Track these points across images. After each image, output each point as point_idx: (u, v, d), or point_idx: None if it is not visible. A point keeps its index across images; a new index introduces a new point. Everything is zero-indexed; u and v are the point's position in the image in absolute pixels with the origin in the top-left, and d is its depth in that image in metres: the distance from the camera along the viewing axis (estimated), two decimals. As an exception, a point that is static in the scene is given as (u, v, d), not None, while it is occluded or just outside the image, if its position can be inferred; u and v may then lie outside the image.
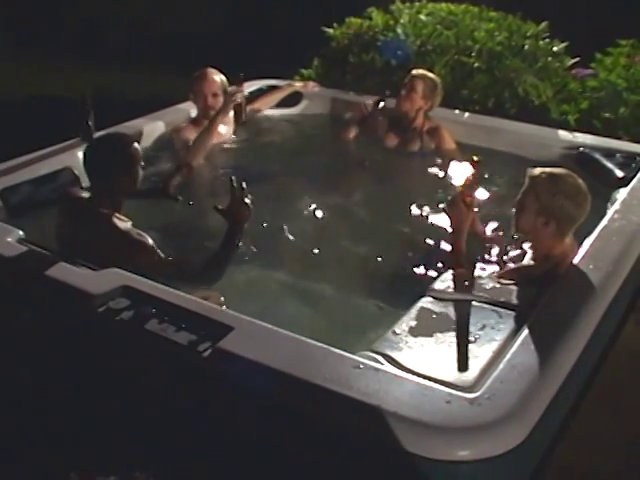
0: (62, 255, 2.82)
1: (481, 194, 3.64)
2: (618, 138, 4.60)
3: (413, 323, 2.52)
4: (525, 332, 2.37)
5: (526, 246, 3.14)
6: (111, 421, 2.42)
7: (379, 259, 3.40)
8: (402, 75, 4.81)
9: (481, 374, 2.22)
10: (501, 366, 2.20)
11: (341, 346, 2.30)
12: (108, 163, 2.96)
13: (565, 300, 2.62)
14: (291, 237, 3.58)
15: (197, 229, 3.62)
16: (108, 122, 3.85)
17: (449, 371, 2.25)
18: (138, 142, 3.16)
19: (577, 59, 5.39)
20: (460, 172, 4.22)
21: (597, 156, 4.18)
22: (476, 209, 3.17)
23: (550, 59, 5.30)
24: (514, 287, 2.72)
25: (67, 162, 3.76)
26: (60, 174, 3.70)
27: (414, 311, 2.61)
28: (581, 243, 2.96)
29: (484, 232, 3.44)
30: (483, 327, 2.47)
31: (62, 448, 2.44)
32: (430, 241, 3.49)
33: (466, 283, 2.78)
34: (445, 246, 3.30)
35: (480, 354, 2.33)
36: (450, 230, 3.09)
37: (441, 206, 3.69)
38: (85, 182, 3.37)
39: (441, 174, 4.33)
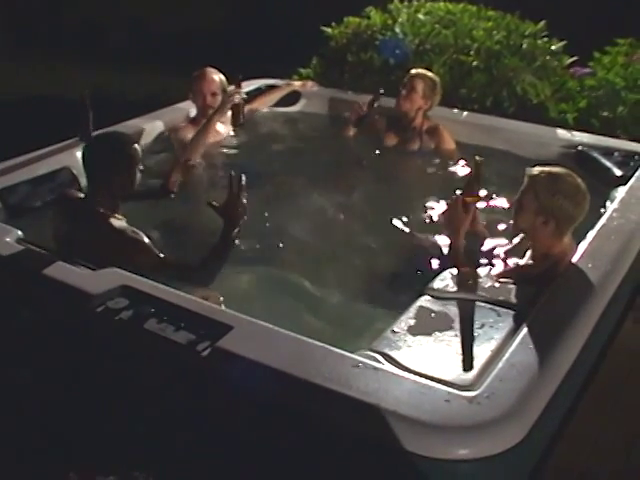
0: (61, 255, 2.82)
1: (480, 193, 3.64)
2: (616, 137, 4.61)
3: (412, 322, 2.53)
4: (524, 331, 2.37)
5: (525, 245, 3.14)
6: (111, 421, 2.42)
7: (378, 258, 3.41)
8: (400, 74, 4.82)
9: (480, 373, 2.22)
10: (500, 365, 2.20)
11: (340, 345, 2.30)
12: (106, 161, 2.97)
13: (564, 299, 2.62)
14: (290, 236, 3.58)
15: (195, 228, 3.61)
16: (107, 122, 3.85)
17: (448, 370, 2.25)
18: (137, 142, 3.16)
19: (575, 58, 5.39)
20: (462, 172, 4.24)
21: (595, 155, 4.19)
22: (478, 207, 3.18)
23: (548, 58, 5.31)
24: (513, 286, 2.72)
25: (65, 162, 3.76)
26: (58, 174, 3.70)
27: (413, 310, 2.61)
28: (580, 242, 2.96)
29: (483, 231, 3.44)
30: (482, 326, 2.47)
31: (62, 448, 2.44)
32: (429, 240, 3.48)
33: (465, 282, 2.78)
34: (444, 245, 3.30)
35: (479, 353, 2.33)
36: (447, 233, 3.10)
37: (439, 209, 3.71)
38: (83, 182, 3.37)
39: (440, 173, 4.34)
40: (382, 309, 3.01)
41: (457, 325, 2.50)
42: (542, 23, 5.49)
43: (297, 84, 5.21)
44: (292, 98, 5.10)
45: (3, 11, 8.54)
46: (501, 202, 3.81)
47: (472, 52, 5.25)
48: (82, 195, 3.13)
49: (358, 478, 2.07)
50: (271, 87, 5.06)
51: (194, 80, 4.24)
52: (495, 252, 3.32)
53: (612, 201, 3.53)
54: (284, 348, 2.28)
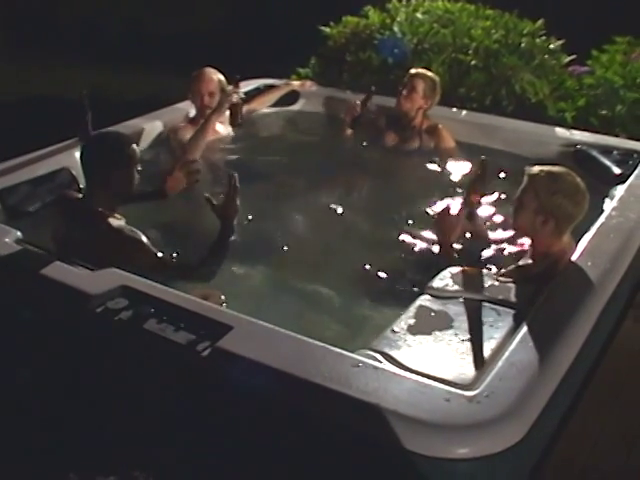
0: (60, 255, 2.82)
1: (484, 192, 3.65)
2: (615, 135, 4.61)
3: (412, 321, 2.53)
4: (524, 330, 2.37)
5: (524, 244, 3.14)
6: (111, 421, 2.42)
7: (378, 257, 3.40)
8: (399, 73, 4.82)
9: (480, 372, 2.22)
10: (500, 364, 2.20)
11: (340, 345, 2.30)
12: (105, 160, 2.96)
13: (564, 297, 2.62)
14: (289, 235, 3.59)
15: (193, 227, 3.62)
16: (106, 122, 3.85)
17: (448, 369, 2.25)
18: (136, 142, 3.16)
19: (574, 56, 5.40)
20: (462, 171, 4.24)
21: (594, 153, 4.19)
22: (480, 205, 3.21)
23: (547, 57, 5.31)
24: (513, 285, 2.72)
25: (64, 162, 3.76)
26: (58, 174, 3.70)
27: (413, 309, 2.61)
28: (579, 240, 2.96)
29: (484, 230, 3.44)
30: (482, 325, 2.47)
31: (62, 448, 2.44)
32: (429, 239, 3.48)
33: (465, 281, 2.78)
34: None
35: (479, 352, 2.33)
36: (439, 242, 3.15)
37: (439, 207, 3.71)
38: (82, 183, 3.37)
39: (440, 172, 4.34)
40: (382, 308, 3.01)
41: (457, 324, 2.50)
42: (540, 22, 5.50)
43: (296, 84, 5.21)
44: (291, 98, 5.10)
45: (3, 11, 8.52)
46: (500, 201, 3.81)
47: (471, 51, 5.25)
48: (80, 195, 3.13)
49: (358, 477, 2.07)
50: (270, 87, 5.06)
51: (192, 80, 4.24)
52: (495, 251, 3.32)
53: (611, 199, 3.53)
54: (284, 348, 2.28)
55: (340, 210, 3.88)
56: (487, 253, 3.31)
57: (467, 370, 2.25)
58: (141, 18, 8.58)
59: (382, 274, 3.27)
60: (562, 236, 2.84)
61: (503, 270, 2.94)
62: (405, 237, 3.57)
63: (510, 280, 2.76)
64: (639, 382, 2.80)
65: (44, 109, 6.08)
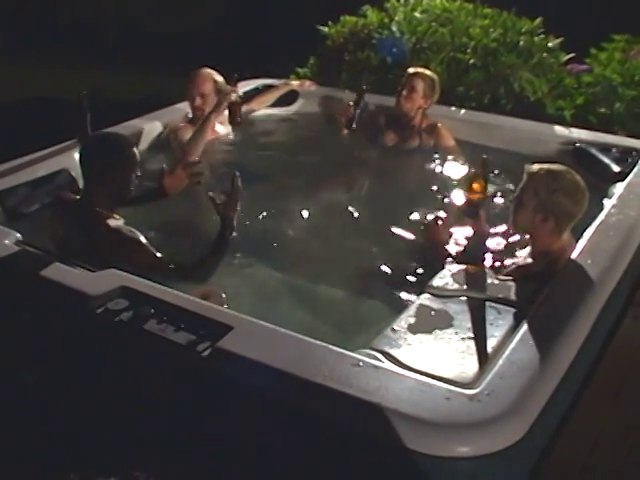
0: (59, 257, 2.82)
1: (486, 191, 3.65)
2: (614, 133, 4.61)
3: (412, 320, 2.53)
4: (524, 328, 2.37)
5: (524, 242, 3.14)
6: (111, 421, 2.42)
7: (378, 256, 3.40)
8: (398, 72, 4.82)
9: (480, 370, 2.22)
10: (500, 362, 2.20)
11: (340, 344, 2.30)
12: (103, 161, 2.96)
13: (563, 295, 2.62)
14: (289, 235, 3.59)
15: (192, 227, 3.61)
16: (105, 123, 3.84)
17: (449, 368, 2.25)
18: (136, 143, 3.16)
19: (572, 55, 5.40)
20: (461, 169, 4.25)
21: (593, 151, 4.19)
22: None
23: (545, 55, 5.31)
24: (512, 283, 2.72)
25: (64, 164, 3.75)
26: (57, 176, 3.70)
27: (413, 308, 2.61)
28: (578, 239, 2.96)
29: (483, 229, 3.44)
30: (482, 323, 2.47)
31: (62, 448, 2.44)
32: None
33: (465, 280, 2.78)
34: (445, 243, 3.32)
35: (479, 350, 2.33)
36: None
37: (439, 206, 3.72)
38: (82, 184, 3.36)
39: (440, 170, 4.34)
40: (382, 307, 3.01)
41: (457, 323, 2.50)
42: (538, 20, 5.50)
43: (295, 84, 5.21)
44: (290, 98, 5.10)
45: (3, 11, 8.52)
46: (500, 199, 3.81)
47: (469, 50, 5.25)
48: (79, 196, 3.13)
49: (359, 476, 2.07)
50: (269, 87, 5.06)
51: (188, 81, 4.24)
52: (494, 249, 3.32)
53: (610, 197, 3.53)
54: (284, 347, 2.28)
55: (340, 209, 3.88)
56: (487, 251, 3.30)
57: (468, 369, 2.25)
58: (140, 18, 8.58)
59: (382, 273, 3.27)
60: (562, 234, 2.84)
61: (503, 269, 2.95)
62: (405, 236, 3.57)
63: (510, 278, 2.77)
64: (639, 379, 2.80)
65: (43, 110, 6.07)
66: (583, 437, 2.47)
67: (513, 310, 2.54)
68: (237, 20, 8.58)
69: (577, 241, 2.94)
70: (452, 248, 3.23)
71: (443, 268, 2.90)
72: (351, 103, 4.52)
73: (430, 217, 3.36)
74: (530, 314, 2.47)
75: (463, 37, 5.32)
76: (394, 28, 5.47)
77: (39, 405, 2.57)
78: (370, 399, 2.03)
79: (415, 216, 3.75)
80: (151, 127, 4.35)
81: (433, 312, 2.58)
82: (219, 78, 4.25)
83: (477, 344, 2.37)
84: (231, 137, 4.44)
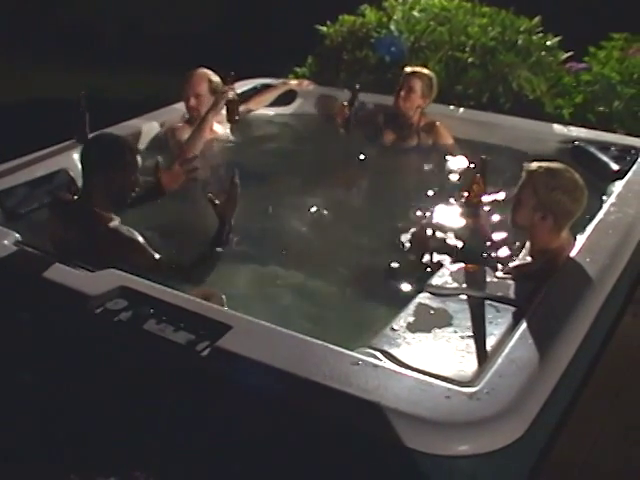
0: (58, 257, 2.82)
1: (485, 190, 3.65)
2: (613, 131, 4.61)
3: (411, 319, 2.53)
4: (523, 326, 2.37)
5: (523, 241, 3.14)
6: (111, 421, 2.42)
7: (377, 255, 3.41)
8: (396, 72, 4.81)
9: (480, 369, 2.23)
10: (500, 360, 2.20)
11: (340, 343, 2.30)
12: (103, 161, 2.96)
13: (563, 294, 2.62)
14: (288, 235, 3.59)
15: (190, 227, 3.61)
16: (103, 123, 3.84)
17: (448, 366, 2.26)
18: (135, 143, 3.16)
19: (571, 53, 5.39)
20: (460, 168, 4.25)
21: (592, 149, 4.19)
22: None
23: (544, 53, 5.31)
24: (512, 282, 2.72)
25: (62, 164, 3.75)
26: (55, 176, 3.70)
27: (412, 307, 2.62)
28: (577, 237, 2.97)
29: (483, 227, 3.44)
30: (481, 322, 2.48)
31: (62, 448, 2.44)
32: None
33: (464, 278, 2.78)
34: (446, 242, 3.32)
35: (478, 349, 2.33)
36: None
37: (439, 205, 3.73)
38: (80, 184, 3.36)
39: (439, 169, 4.34)
40: (381, 306, 3.01)
41: (456, 321, 2.51)
42: (537, 19, 5.49)
43: (293, 83, 5.21)
44: (288, 97, 5.10)
45: (3, 11, 8.51)
46: (498, 198, 3.81)
47: (467, 49, 5.25)
48: (77, 196, 3.13)
49: (359, 476, 2.07)
50: (267, 86, 5.05)
51: (183, 82, 4.24)
52: (494, 248, 3.32)
53: (609, 196, 3.53)
54: (283, 347, 2.28)
55: (339, 208, 3.88)
56: (486, 250, 3.31)
57: (467, 367, 2.26)
58: (140, 19, 8.58)
59: (381, 272, 3.27)
60: (561, 232, 2.84)
61: (502, 267, 2.95)
62: (404, 235, 3.57)
63: (509, 277, 2.77)
64: (638, 378, 2.80)
65: (42, 110, 6.07)
66: (583, 436, 2.47)
67: (512, 308, 2.55)
68: (235, 20, 8.59)
69: (576, 239, 2.94)
70: (445, 251, 3.23)
71: (441, 267, 2.90)
72: (345, 103, 4.52)
73: (416, 227, 3.41)
74: (529, 312, 2.47)
75: (461, 36, 5.31)
76: (392, 27, 5.47)
77: (39, 405, 2.57)
78: (370, 398, 2.03)
79: (414, 215, 3.75)
80: (149, 127, 4.35)
81: (432, 311, 2.59)
82: (215, 78, 4.24)
83: (476, 342, 2.37)
84: (229, 137, 4.44)
